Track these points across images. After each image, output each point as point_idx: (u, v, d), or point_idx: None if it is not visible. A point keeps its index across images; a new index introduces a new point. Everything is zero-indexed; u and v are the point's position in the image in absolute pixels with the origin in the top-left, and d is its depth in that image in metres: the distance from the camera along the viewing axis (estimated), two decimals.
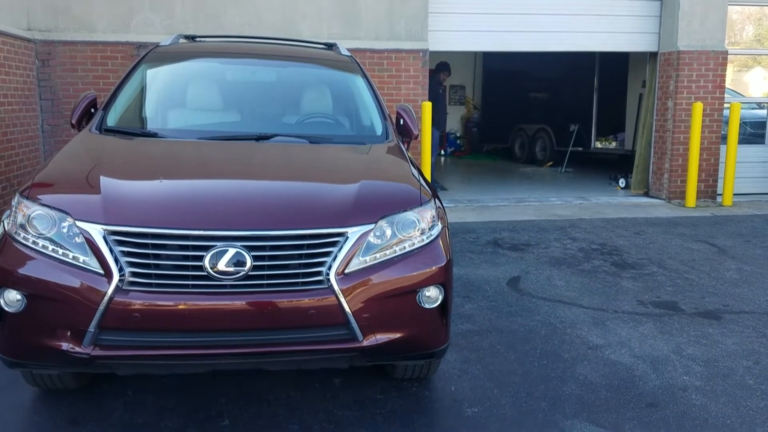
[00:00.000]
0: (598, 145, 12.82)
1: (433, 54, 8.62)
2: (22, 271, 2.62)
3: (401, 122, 4.05)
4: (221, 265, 2.56)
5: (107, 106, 3.77)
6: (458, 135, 16.59)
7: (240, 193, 2.89)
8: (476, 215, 8.22)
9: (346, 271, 2.70)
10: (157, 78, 4.10)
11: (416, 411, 3.24)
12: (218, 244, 2.59)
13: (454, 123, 16.45)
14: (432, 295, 2.92)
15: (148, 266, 2.58)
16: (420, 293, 2.87)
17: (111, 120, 3.68)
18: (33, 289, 2.61)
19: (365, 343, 2.75)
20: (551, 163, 13.43)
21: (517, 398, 3.37)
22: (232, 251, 2.58)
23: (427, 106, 8.08)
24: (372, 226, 2.80)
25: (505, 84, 14.81)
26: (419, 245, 2.91)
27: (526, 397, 3.39)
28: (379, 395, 3.38)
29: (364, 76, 4.33)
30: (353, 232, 2.75)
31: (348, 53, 4.71)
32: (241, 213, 2.70)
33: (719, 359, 3.88)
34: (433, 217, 3.01)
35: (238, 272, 2.58)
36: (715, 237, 7.13)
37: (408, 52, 8.32)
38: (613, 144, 12.51)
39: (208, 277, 2.57)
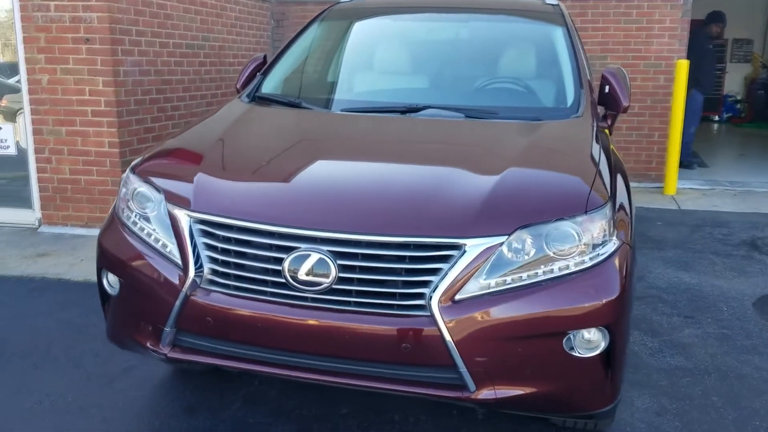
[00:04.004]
0: None
1: (699, 2, 7.04)
2: (116, 252, 2.43)
3: (606, 90, 3.12)
4: (301, 273, 2.06)
5: (267, 71, 3.46)
6: (739, 98, 13.94)
7: (341, 182, 2.34)
8: (736, 203, 6.63)
9: (458, 296, 2.02)
10: (322, 40, 3.69)
11: None
12: (302, 246, 2.09)
13: (735, 84, 13.84)
14: (591, 340, 2.12)
15: (227, 264, 2.18)
16: (571, 336, 2.08)
17: (268, 87, 3.36)
18: (124, 274, 2.40)
19: (480, 395, 2.06)
20: None
21: None
22: (314, 257, 2.06)
23: (683, 65, 6.63)
24: (504, 237, 2.06)
25: None
26: (577, 269, 2.10)
27: None
28: None
29: (567, 31, 3.42)
30: (474, 245, 2.04)
31: (555, 1, 3.80)
32: (333, 208, 2.15)
33: None
34: (605, 230, 2.15)
35: (319, 283, 2.06)
36: None
37: (665, 0, 6.89)
38: None
39: (287, 286, 2.10)
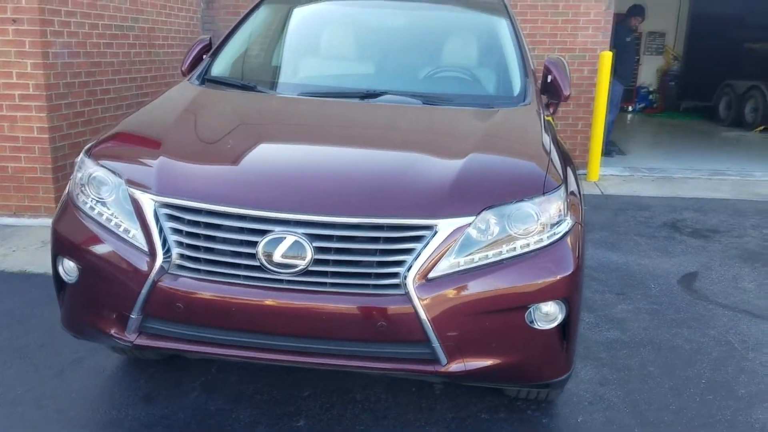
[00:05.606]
0: None
1: None
2: (75, 239, 2.36)
3: (549, 79, 3.27)
4: (276, 256, 2.09)
5: (215, 53, 3.42)
6: (651, 89, 14.73)
7: (312, 166, 2.38)
8: (655, 188, 7.06)
9: (431, 275, 2.11)
10: (271, 23, 3.68)
11: None
12: (276, 228, 2.11)
13: (648, 76, 14.62)
14: (549, 313, 2.25)
15: (197, 249, 2.18)
16: (532, 310, 2.21)
17: (217, 69, 3.33)
18: (83, 261, 2.34)
19: (451, 368, 2.17)
20: (762, 128, 11.37)
21: None
22: (289, 239, 2.09)
23: (607, 57, 6.96)
24: (472, 218, 2.16)
25: (715, 32, 12.73)
26: (536, 246, 2.22)
27: None
28: (485, 415, 2.79)
29: (511, 22, 3.56)
30: (445, 225, 2.13)
31: None
32: (307, 191, 2.19)
33: None
34: (560, 210, 2.29)
35: (295, 265, 2.09)
36: None
37: None
38: None
39: (262, 269, 2.12)
